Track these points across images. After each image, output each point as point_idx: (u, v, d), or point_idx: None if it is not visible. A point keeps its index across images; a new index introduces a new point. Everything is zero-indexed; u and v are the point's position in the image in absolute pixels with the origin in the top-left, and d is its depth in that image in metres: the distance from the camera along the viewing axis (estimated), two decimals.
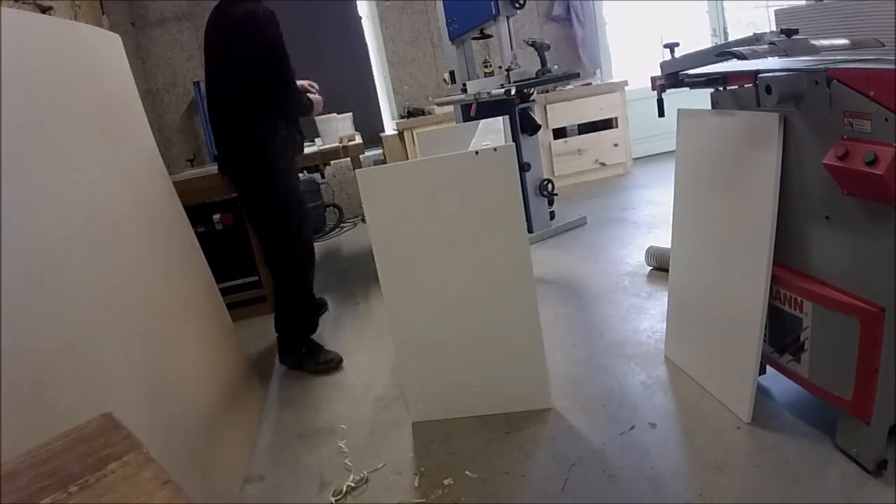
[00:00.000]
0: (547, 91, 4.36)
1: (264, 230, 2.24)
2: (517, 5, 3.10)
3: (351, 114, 3.76)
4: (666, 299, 1.98)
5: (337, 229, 4.75)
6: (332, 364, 2.28)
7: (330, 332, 2.70)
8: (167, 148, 4.68)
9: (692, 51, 1.55)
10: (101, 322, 1.24)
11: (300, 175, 2.52)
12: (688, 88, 1.64)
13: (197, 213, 2.76)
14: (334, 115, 3.51)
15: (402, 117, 4.86)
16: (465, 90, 3.51)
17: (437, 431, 1.79)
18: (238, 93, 2.12)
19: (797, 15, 2.16)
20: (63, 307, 1.13)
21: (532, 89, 3.27)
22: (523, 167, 3.27)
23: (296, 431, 1.92)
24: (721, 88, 1.61)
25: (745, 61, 1.43)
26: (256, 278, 3.00)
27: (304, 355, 2.30)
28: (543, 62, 3.30)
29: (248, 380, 2.11)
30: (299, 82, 2.40)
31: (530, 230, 3.39)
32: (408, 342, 1.79)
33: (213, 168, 3.49)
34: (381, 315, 2.71)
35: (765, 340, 1.55)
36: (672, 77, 1.61)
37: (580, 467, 1.53)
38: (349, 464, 1.70)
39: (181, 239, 1.95)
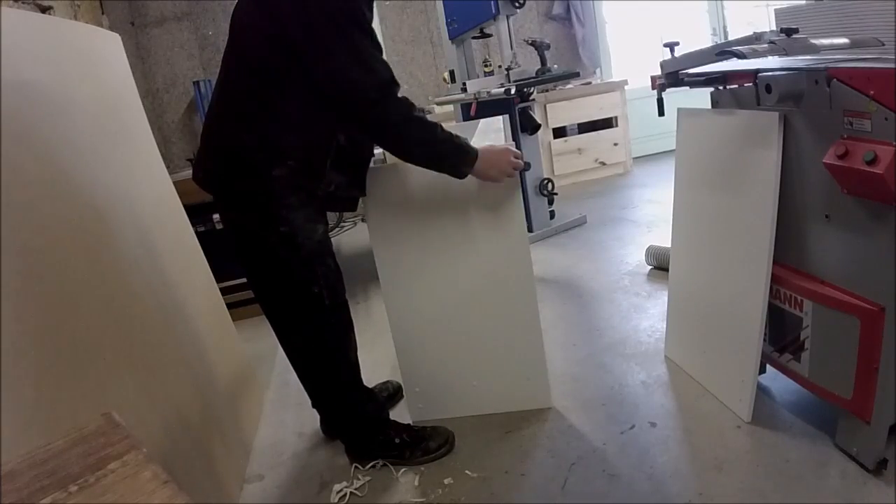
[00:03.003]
0: (547, 90, 4.37)
1: (269, 308, 1.57)
2: (517, 4, 3.10)
3: None
4: (666, 298, 1.98)
5: (337, 229, 4.75)
6: (445, 449, 1.67)
7: None
8: (167, 148, 4.68)
9: (692, 50, 1.55)
10: (101, 322, 1.24)
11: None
12: (688, 88, 1.64)
13: (197, 212, 2.76)
14: None
15: None
16: (464, 89, 3.51)
17: None
18: (249, 86, 1.37)
19: (797, 14, 2.16)
20: (63, 307, 1.13)
21: (532, 88, 3.27)
22: (523, 166, 3.26)
23: (296, 431, 1.92)
24: (721, 87, 1.61)
25: (744, 60, 1.43)
26: None
27: (401, 447, 1.65)
28: (543, 61, 3.30)
29: (248, 380, 2.11)
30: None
31: (530, 229, 3.39)
32: (408, 342, 1.79)
33: None
34: (381, 315, 2.71)
35: (765, 340, 1.55)
36: (672, 76, 1.60)
37: (580, 466, 1.53)
38: (349, 463, 1.70)
39: (181, 239, 1.95)
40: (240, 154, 1.41)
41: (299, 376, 1.68)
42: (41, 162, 1.21)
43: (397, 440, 1.66)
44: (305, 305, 1.51)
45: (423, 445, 1.66)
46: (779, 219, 1.42)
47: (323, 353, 1.59)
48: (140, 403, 1.28)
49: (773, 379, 1.68)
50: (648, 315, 2.29)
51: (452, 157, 1.44)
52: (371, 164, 1.68)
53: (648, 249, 2.74)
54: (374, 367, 2.25)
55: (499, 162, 1.50)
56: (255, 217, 1.44)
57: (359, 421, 1.67)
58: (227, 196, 1.48)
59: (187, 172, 3.41)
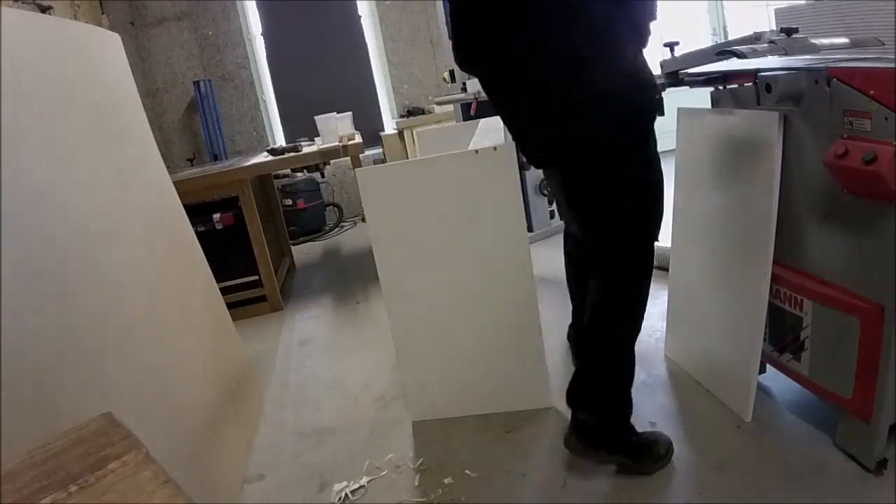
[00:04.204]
0: None
1: (598, 235, 1.52)
2: None
3: (351, 113, 3.77)
4: (666, 298, 1.97)
5: (337, 228, 4.75)
6: (670, 454, 1.51)
7: (330, 332, 2.70)
8: (167, 148, 4.69)
9: (692, 50, 1.55)
10: (101, 322, 1.24)
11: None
12: (688, 87, 1.64)
13: (197, 212, 2.76)
14: (334, 114, 3.51)
15: (402, 116, 4.87)
16: (464, 89, 3.50)
17: (438, 431, 1.79)
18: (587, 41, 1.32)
19: (797, 13, 2.16)
20: (63, 307, 1.13)
21: None
22: (523, 166, 3.25)
23: (296, 431, 1.92)
24: (721, 87, 1.61)
25: (744, 60, 1.43)
26: (256, 278, 3.00)
27: (636, 447, 1.49)
28: None
29: (248, 380, 2.11)
30: None
31: (530, 229, 3.38)
32: (408, 342, 1.79)
33: (213, 167, 3.48)
34: (381, 315, 2.71)
35: (765, 339, 1.55)
36: (672, 76, 1.60)
37: (580, 466, 1.53)
38: (349, 463, 1.70)
39: (181, 239, 1.95)
40: (616, 100, 1.35)
41: (592, 335, 1.59)
42: (41, 161, 1.21)
43: (634, 439, 1.50)
44: (647, 254, 1.53)
45: (654, 450, 1.50)
46: (779, 219, 1.42)
47: (636, 307, 1.62)
48: (140, 403, 1.28)
49: (773, 379, 1.67)
50: (648, 315, 2.26)
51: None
52: (371, 164, 1.68)
53: None
54: (375, 366, 2.25)
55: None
56: (630, 158, 1.40)
57: (617, 394, 1.52)
58: (604, 151, 1.39)
59: (187, 172, 3.41)
